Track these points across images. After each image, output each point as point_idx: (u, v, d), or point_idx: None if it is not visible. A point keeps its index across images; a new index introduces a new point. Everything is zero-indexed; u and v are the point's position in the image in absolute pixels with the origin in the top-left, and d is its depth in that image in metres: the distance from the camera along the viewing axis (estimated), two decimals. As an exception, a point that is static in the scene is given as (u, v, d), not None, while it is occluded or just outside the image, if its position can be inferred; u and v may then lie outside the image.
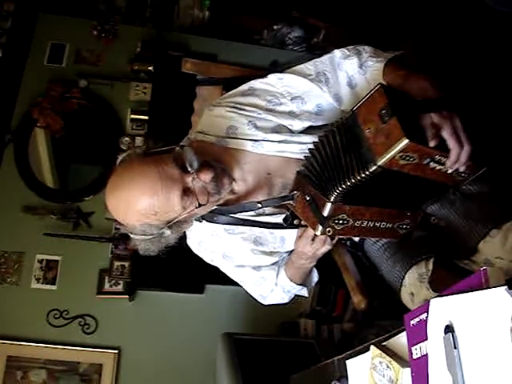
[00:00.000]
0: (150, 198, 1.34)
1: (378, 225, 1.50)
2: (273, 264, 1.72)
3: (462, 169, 1.34)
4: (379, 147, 1.26)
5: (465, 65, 1.49)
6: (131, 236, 1.45)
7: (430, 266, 1.54)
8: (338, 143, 1.38)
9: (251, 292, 1.81)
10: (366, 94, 1.33)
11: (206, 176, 1.38)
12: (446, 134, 1.26)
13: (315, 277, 1.84)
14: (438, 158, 1.30)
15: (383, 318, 2.69)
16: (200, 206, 1.41)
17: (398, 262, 1.63)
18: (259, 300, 1.84)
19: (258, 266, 1.70)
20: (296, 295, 1.85)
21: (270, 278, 1.73)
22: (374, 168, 1.27)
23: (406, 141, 1.22)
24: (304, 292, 1.82)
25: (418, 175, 1.34)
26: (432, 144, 1.26)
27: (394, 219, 1.53)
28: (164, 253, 1.49)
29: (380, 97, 1.29)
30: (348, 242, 1.94)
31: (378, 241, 1.73)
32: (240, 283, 1.78)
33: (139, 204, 1.35)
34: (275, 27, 3.64)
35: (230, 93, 1.66)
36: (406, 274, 1.59)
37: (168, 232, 1.44)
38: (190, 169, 1.35)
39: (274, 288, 1.76)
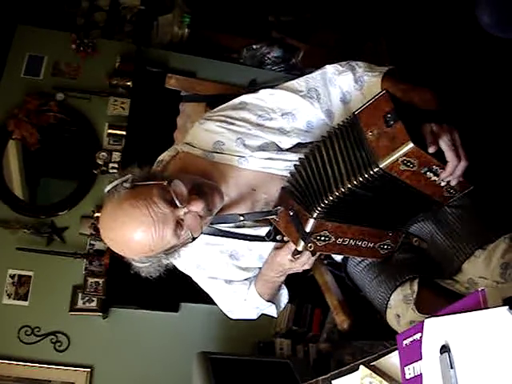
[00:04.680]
0: (145, 241, 1.34)
1: (360, 243, 1.52)
2: (245, 279, 1.72)
3: (454, 182, 1.36)
4: (382, 150, 1.29)
5: (445, 90, 1.54)
6: (132, 262, 1.46)
7: (415, 287, 1.56)
8: (330, 151, 1.40)
9: (220, 305, 1.80)
10: (368, 100, 1.36)
11: (197, 207, 1.37)
12: (445, 145, 1.29)
13: (285, 298, 1.85)
14: (435, 168, 1.32)
15: (359, 339, 2.70)
16: (194, 238, 1.43)
17: (383, 283, 1.64)
18: (227, 314, 1.84)
19: (230, 280, 1.70)
20: (265, 314, 1.85)
21: (241, 292, 1.73)
22: (376, 170, 1.28)
23: (410, 144, 1.24)
24: (272, 311, 1.82)
25: (411, 185, 1.36)
26: (431, 150, 1.28)
27: (375, 239, 1.54)
28: (165, 273, 1.50)
29: (386, 101, 1.32)
30: (326, 261, 1.95)
31: (360, 262, 1.74)
32: (210, 295, 1.77)
33: (134, 245, 1.36)
34: (254, 46, 3.65)
35: (221, 106, 1.66)
36: (391, 295, 1.60)
37: (165, 260, 1.47)
38: (179, 205, 1.35)
39: (243, 303, 1.76)
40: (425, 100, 1.41)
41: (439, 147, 1.29)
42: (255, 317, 1.84)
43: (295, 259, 1.54)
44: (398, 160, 1.27)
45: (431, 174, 1.33)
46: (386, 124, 1.29)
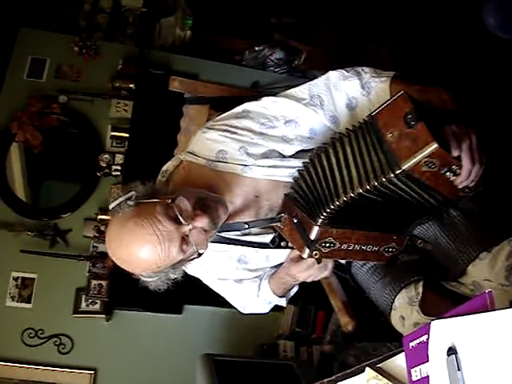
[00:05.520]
0: (151, 258, 1.35)
1: (365, 248, 1.51)
2: (255, 277, 1.72)
3: (470, 184, 1.35)
4: (404, 151, 1.27)
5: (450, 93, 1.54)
6: (140, 277, 1.47)
7: (420, 289, 1.55)
8: (339, 155, 1.38)
9: (232, 302, 1.81)
10: (385, 101, 1.34)
11: (202, 223, 1.37)
12: (463, 149, 1.28)
13: (295, 288, 1.84)
14: (455, 168, 1.31)
15: (363, 340, 2.70)
16: (200, 254, 1.42)
17: (387, 285, 1.63)
18: (240, 310, 1.84)
19: (240, 280, 1.71)
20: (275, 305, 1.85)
21: (252, 289, 1.73)
22: (399, 172, 1.27)
23: (435, 145, 1.23)
24: (283, 302, 1.81)
25: (430, 185, 1.35)
26: (455, 154, 1.27)
27: (380, 242, 1.53)
28: (173, 285, 1.50)
29: (405, 102, 1.30)
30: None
31: (364, 264, 1.74)
32: (221, 294, 1.77)
33: (141, 263, 1.37)
34: (257, 48, 3.66)
35: (223, 115, 1.65)
36: (395, 297, 1.60)
37: (172, 274, 1.47)
38: (184, 222, 1.35)
39: (255, 299, 1.76)
40: (442, 100, 1.40)
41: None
42: (267, 310, 1.84)
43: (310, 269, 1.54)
44: (421, 161, 1.25)
45: (450, 174, 1.32)
46: (407, 125, 1.27)
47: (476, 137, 1.31)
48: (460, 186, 1.35)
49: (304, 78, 3.30)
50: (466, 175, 1.31)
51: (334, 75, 1.59)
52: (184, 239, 1.36)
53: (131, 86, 3.30)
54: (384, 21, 3.39)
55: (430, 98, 1.41)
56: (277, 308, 1.87)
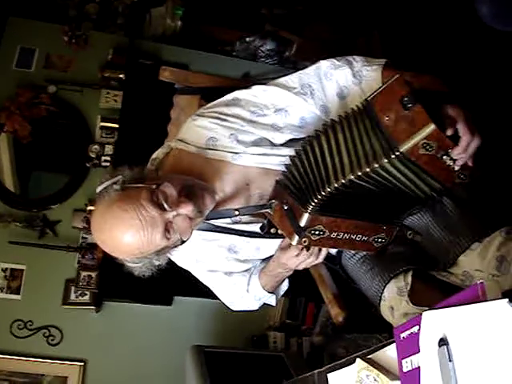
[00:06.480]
0: (134, 244, 1.36)
1: (354, 237, 1.51)
2: (245, 271, 1.72)
3: (461, 162, 1.34)
4: (401, 134, 1.27)
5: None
6: (125, 262, 1.47)
7: (409, 280, 1.55)
8: (331, 141, 1.38)
9: (221, 297, 1.80)
10: (380, 86, 1.35)
11: (187, 209, 1.37)
12: (460, 123, 1.29)
13: (285, 286, 1.84)
14: (451, 152, 1.32)
15: (353, 332, 2.71)
16: (183, 241, 1.43)
17: (377, 275, 1.63)
18: (228, 306, 1.83)
19: (229, 272, 1.69)
20: (264, 303, 1.84)
21: (241, 284, 1.73)
22: (397, 154, 1.27)
23: (432, 126, 1.23)
24: (272, 300, 1.81)
25: (427, 170, 1.35)
26: (449, 132, 1.28)
27: (369, 232, 1.53)
28: (158, 272, 1.50)
29: (400, 85, 1.30)
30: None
31: (355, 254, 1.74)
32: (211, 288, 1.76)
33: (124, 248, 1.38)
34: (247, 39, 3.64)
35: (214, 102, 1.64)
36: (384, 287, 1.60)
37: (156, 260, 1.47)
38: (168, 208, 1.35)
39: (244, 294, 1.75)
40: (435, 85, 1.41)
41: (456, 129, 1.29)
42: (257, 307, 1.83)
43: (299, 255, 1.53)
44: (418, 143, 1.25)
45: (447, 159, 1.33)
46: (404, 107, 1.27)
47: (471, 116, 1.32)
48: (457, 157, 1.34)
49: (295, 69, 3.29)
50: (464, 145, 1.30)
51: (324, 64, 1.59)
52: (168, 226, 1.36)
53: (121, 76, 3.28)
54: (375, 12, 3.38)
55: (423, 84, 1.42)
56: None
